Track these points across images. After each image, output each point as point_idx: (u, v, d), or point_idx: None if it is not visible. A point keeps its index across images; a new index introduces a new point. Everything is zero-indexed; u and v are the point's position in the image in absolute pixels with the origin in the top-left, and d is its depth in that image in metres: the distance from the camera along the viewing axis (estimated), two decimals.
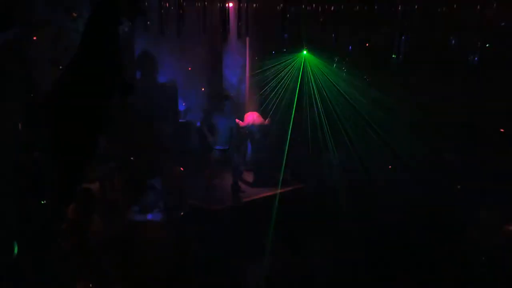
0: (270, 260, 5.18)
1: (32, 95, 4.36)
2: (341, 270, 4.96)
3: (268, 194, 7.24)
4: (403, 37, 5.46)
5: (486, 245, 5.16)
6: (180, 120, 8.30)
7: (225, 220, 6.46)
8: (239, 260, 5.75)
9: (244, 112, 8.17)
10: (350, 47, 6.67)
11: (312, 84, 8.00)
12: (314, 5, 6.73)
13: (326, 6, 6.46)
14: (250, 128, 7.80)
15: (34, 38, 4.88)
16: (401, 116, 7.30)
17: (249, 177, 8.01)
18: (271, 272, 4.34)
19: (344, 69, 8.17)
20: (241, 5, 6.69)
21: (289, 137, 7.53)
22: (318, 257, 4.63)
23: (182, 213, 5.97)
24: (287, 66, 8.10)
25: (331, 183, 6.86)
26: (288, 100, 8.03)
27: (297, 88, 7.98)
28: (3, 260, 3.60)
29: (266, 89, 8.30)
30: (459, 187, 6.52)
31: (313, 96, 7.93)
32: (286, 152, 7.48)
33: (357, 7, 6.35)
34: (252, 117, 7.82)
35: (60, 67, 4.60)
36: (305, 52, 8.04)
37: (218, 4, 6.52)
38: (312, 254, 4.28)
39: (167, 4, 5.84)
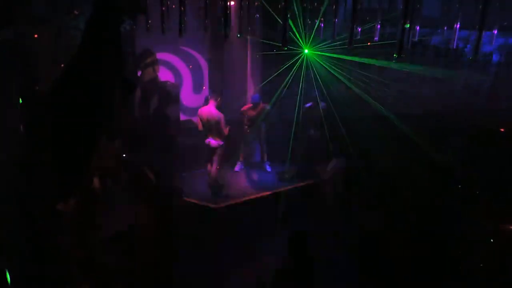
0: (271, 259, 5.19)
1: (32, 93, 4.36)
2: (342, 270, 4.99)
3: (270, 192, 7.26)
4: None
5: (484, 245, 5.17)
6: (182, 118, 8.31)
7: (227, 219, 6.48)
8: (240, 259, 5.78)
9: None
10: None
11: (313, 82, 7.99)
12: (315, 3, 6.73)
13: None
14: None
15: (35, 35, 4.87)
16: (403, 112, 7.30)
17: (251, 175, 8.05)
18: (271, 271, 4.34)
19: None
20: (242, 3, 6.68)
21: (292, 135, 7.55)
22: (319, 257, 4.62)
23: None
24: (288, 64, 8.09)
25: (332, 180, 6.84)
26: (290, 98, 8.05)
27: (300, 86, 7.98)
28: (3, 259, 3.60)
29: (268, 86, 8.33)
30: (459, 186, 6.51)
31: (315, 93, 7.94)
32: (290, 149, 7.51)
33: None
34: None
35: (61, 65, 4.59)
36: (306, 50, 8.04)
37: (220, 2, 6.50)
38: (313, 254, 4.29)
39: (168, 2, 5.83)
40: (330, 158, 6.79)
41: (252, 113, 7.98)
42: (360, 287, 5.08)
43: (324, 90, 7.81)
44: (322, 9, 6.35)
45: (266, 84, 8.43)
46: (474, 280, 4.82)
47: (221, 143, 7.15)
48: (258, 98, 7.96)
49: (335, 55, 7.64)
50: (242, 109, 8.11)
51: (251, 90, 8.76)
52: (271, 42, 7.76)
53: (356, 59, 7.66)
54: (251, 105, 7.99)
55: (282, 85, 8.05)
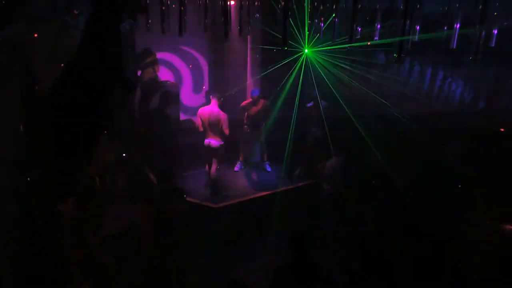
0: (271, 258, 5.19)
1: (32, 92, 4.35)
2: (342, 269, 4.99)
3: (270, 192, 7.26)
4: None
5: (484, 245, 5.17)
6: (182, 118, 8.31)
7: (227, 218, 6.48)
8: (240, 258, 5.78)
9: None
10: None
11: (313, 81, 7.99)
12: (315, 2, 6.71)
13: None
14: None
15: (35, 35, 4.86)
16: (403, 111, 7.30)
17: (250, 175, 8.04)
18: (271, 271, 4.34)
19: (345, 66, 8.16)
20: (242, 2, 6.68)
21: (290, 134, 7.54)
22: (320, 256, 4.63)
23: None
24: (288, 63, 8.08)
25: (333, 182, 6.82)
26: (289, 98, 8.04)
27: (299, 86, 7.97)
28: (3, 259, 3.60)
29: (268, 86, 8.33)
30: (459, 186, 6.51)
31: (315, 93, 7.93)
32: (288, 149, 7.50)
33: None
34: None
35: (61, 65, 4.59)
36: (306, 50, 8.03)
37: (220, 2, 6.50)
38: (314, 253, 4.29)
39: (168, 2, 5.83)
40: (330, 156, 6.79)
41: (253, 109, 7.93)
42: (359, 287, 5.08)
43: (330, 88, 7.80)
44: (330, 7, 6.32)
45: (266, 83, 8.42)
46: (474, 280, 4.82)
47: (222, 143, 7.13)
48: (258, 92, 7.91)
49: (336, 46, 7.59)
50: (241, 104, 8.06)
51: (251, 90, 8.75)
52: (271, 42, 7.75)
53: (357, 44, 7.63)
54: (251, 100, 7.95)
55: (282, 85, 8.05)
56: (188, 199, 6.37)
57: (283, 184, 7.48)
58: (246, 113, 8.03)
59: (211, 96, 7.26)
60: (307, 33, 7.81)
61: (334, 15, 5.42)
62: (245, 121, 8.08)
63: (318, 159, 7.42)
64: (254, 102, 7.89)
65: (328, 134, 7.29)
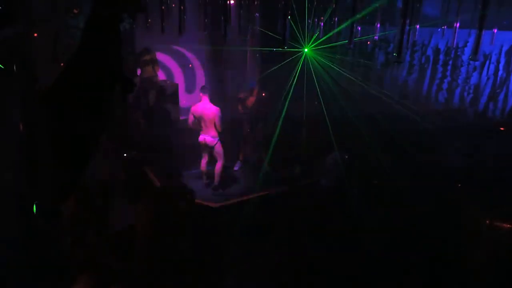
0: (271, 258, 5.19)
1: (32, 92, 4.35)
2: (343, 269, 4.98)
3: (270, 191, 7.25)
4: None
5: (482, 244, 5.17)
6: (181, 118, 8.31)
7: (227, 218, 6.48)
8: (240, 258, 5.78)
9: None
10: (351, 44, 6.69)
11: (314, 80, 7.99)
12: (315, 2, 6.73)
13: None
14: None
15: (35, 34, 4.85)
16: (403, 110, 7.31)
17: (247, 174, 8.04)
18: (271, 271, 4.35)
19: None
20: (242, 2, 6.68)
21: (277, 133, 7.52)
22: (319, 256, 4.63)
23: None
24: (288, 63, 8.08)
25: (332, 182, 6.83)
26: (288, 97, 8.04)
27: (293, 84, 7.97)
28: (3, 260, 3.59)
29: (267, 85, 8.32)
30: (459, 185, 6.51)
31: (316, 92, 7.94)
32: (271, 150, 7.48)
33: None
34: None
35: (61, 65, 4.59)
36: (306, 49, 8.04)
37: (219, 1, 6.50)
38: (313, 253, 4.29)
39: (168, 1, 5.83)
40: (329, 153, 6.79)
41: (251, 102, 7.86)
42: (356, 284, 5.09)
43: (329, 86, 7.80)
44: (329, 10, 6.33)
45: (266, 81, 8.42)
46: (471, 279, 4.82)
47: (217, 139, 7.09)
48: (255, 83, 7.82)
49: (336, 43, 7.57)
50: (238, 96, 7.95)
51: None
52: (271, 41, 7.75)
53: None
54: (249, 92, 7.87)
55: (281, 84, 8.04)
56: (191, 198, 6.38)
57: (282, 183, 7.48)
58: (246, 113, 7.97)
59: (200, 94, 7.13)
60: (316, 34, 7.81)
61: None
62: (242, 113, 8.03)
63: (317, 156, 7.41)
64: (251, 94, 7.81)
65: (331, 133, 7.29)
